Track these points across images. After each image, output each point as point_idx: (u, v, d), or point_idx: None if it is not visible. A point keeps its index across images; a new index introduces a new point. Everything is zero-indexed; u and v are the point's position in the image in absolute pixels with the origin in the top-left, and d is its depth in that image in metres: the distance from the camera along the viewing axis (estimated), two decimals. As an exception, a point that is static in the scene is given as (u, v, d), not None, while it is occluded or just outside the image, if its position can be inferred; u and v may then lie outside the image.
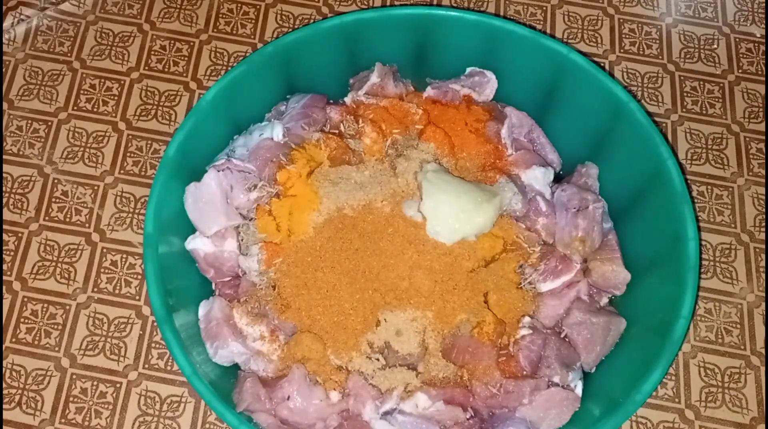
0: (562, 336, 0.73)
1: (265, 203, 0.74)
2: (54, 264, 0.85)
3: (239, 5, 0.99)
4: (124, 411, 0.79)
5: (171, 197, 0.73)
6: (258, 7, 0.99)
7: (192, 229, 0.75)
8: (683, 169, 0.89)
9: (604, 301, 0.77)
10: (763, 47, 0.98)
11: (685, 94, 0.95)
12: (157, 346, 0.82)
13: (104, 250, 0.86)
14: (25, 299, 0.84)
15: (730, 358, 0.83)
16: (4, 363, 0.81)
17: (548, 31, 0.98)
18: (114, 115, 0.92)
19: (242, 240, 0.75)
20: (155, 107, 0.93)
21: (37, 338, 0.82)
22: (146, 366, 0.81)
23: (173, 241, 0.74)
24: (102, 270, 0.85)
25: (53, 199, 0.88)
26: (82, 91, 0.94)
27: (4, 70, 0.94)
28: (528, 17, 0.99)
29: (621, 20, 0.99)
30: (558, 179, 0.83)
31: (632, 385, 0.66)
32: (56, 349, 0.82)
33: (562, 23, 0.99)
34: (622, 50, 0.97)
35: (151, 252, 0.69)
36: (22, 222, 0.87)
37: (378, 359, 0.69)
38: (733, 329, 0.84)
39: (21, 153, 0.90)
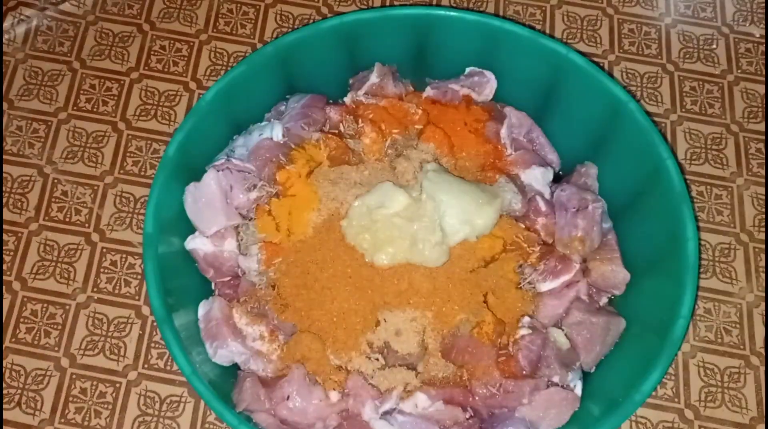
0: (562, 336, 0.73)
1: (264, 203, 0.74)
2: (54, 264, 0.85)
3: (239, 5, 0.99)
4: (123, 411, 0.79)
5: (171, 197, 0.73)
6: (258, 7, 0.99)
7: (192, 229, 0.75)
8: (682, 169, 0.89)
9: (604, 301, 0.77)
10: (762, 47, 0.98)
11: (684, 94, 0.95)
12: (157, 346, 0.82)
13: (104, 250, 0.86)
14: (25, 299, 0.84)
15: (730, 357, 0.83)
16: (4, 363, 0.81)
17: (547, 31, 0.98)
18: (114, 115, 0.93)
19: (242, 240, 0.75)
20: (155, 107, 0.93)
21: (36, 338, 0.82)
22: (146, 366, 0.81)
23: (173, 241, 0.74)
24: (102, 270, 0.85)
25: (53, 199, 0.88)
26: (81, 91, 0.94)
27: (4, 70, 0.94)
28: (527, 17, 0.99)
29: (620, 20, 0.99)
30: (557, 179, 0.83)
31: (632, 385, 0.66)
32: (56, 349, 0.82)
33: (561, 23, 0.99)
34: (621, 50, 0.97)
35: (150, 252, 0.69)
36: (22, 222, 0.87)
37: (377, 359, 0.69)
38: (733, 329, 0.84)
39: (21, 153, 0.90)
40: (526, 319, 0.72)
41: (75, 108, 0.93)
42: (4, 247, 0.86)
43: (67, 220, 0.87)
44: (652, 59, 0.97)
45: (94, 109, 0.93)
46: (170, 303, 0.69)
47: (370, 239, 0.71)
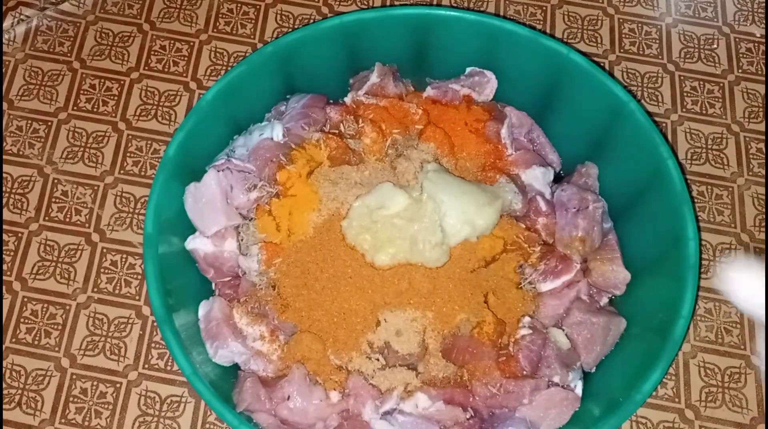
0: (562, 336, 0.73)
1: (265, 203, 0.74)
2: (54, 264, 0.85)
3: (239, 5, 0.99)
4: (124, 411, 0.79)
5: (171, 197, 0.73)
6: (258, 7, 0.99)
7: (192, 229, 0.75)
8: (683, 169, 0.89)
9: (604, 301, 0.77)
10: (763, 47, 0.98)
11: (684, 94, 0.95)
12: (157, 346, 0.82)
13: (104, 250, 0.86)
14: (25, 299, 0.84)
15: (730, 357, 0.83)
16: (4, 363, 0.81)
17: (548, 31, 0.98)
18: (114, 115, 0.93)
19: (242, 240, 0.75)
20: (155, 107, 0.93)
21: (37, 338, 0.82)
22: (146, 366, 0.81)
23: (173, 241, 0.74)
24: (102, 270, 0.85)
25: (53, 199, 0.88)
26: (82, 91, 0.94)
27: (4, 70, 0.94)
28: (528, 17, 0.99)
29: (621, 20, 0.99)
30: (558, 179, 0.83)
31: (632, 385, 0.66)
32: (56, 349, 0.82)
33: (561, 23, 0.99)
34: (621, 50, 0.97)
35: (151, 252, 0.69)
36: (22, 222, 0.87)
37: (378, 359, 0.69)
38: (733, 329, 0.84)
39: (21, 153, 0.90)
40: (527, 319, 0.72)
41: (75, 108, 0.93)
42: (4, 247, 0.86)
43: (68, 220, 0.87)
44: (653, 59, 0.97)
45: (94, 109, 0.93)
46: (170, 303, 0.69)
47: (371, 239, 0.71)
